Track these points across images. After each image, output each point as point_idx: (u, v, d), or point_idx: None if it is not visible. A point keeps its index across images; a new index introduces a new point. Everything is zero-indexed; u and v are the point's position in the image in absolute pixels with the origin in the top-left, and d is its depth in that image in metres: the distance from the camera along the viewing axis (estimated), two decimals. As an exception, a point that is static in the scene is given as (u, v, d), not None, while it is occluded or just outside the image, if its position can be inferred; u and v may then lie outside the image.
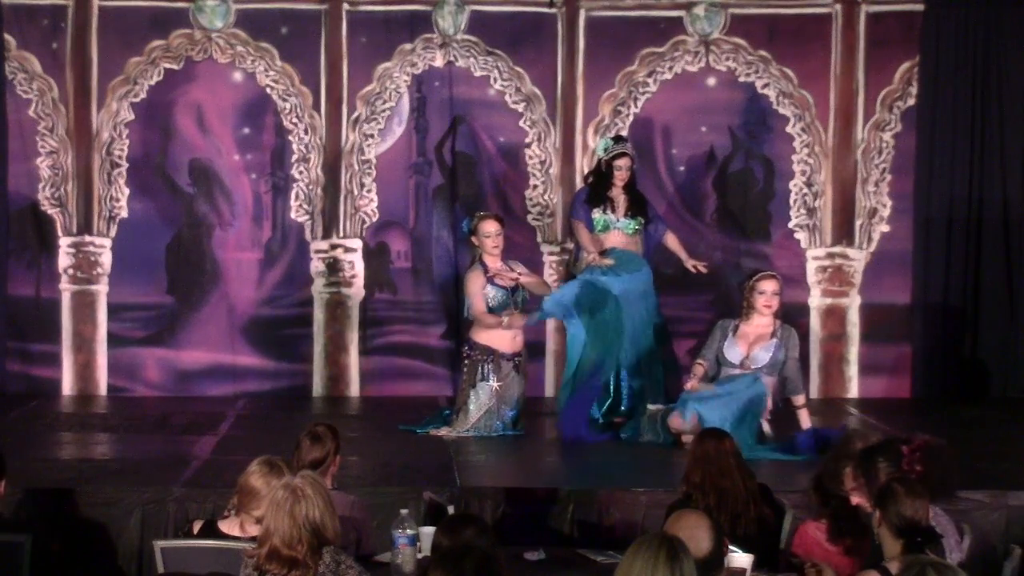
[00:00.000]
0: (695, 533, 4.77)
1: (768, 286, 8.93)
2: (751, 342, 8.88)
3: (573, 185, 11.04)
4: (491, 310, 9.28)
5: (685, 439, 8.70)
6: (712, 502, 6.06)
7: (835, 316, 11.35)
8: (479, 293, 9.28)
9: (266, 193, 11.20)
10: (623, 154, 9.63)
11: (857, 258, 11.33)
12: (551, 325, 11.07)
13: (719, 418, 8.34)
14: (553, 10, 11.18)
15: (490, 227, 9.34)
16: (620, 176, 9.61)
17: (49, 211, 11.09)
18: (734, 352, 8.87)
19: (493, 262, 9.34)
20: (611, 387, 9.52)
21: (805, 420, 8.91)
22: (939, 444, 6.05)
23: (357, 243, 11.21)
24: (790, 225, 11.33)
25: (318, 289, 11.21)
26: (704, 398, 8.70)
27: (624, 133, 10.80)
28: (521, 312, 9.31)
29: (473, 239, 9.45)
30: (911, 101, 11.26)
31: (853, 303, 11.34)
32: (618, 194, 9.65)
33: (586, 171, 10.71)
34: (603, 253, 9.49)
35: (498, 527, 7.09)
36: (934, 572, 4.17)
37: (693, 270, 9.84)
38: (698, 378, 8.88)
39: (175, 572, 5.53)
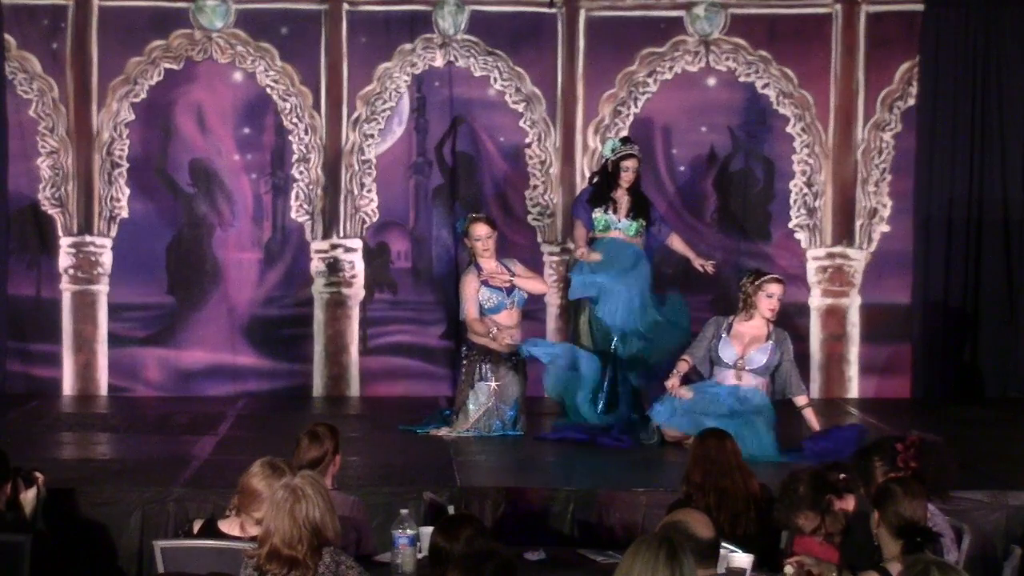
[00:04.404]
0: (691, 516, 4.83)
1: (776, 290, 8.88)
2: (746, 343, 8.84)
3: (573, 185, 11.06)
4: (487, 312, 9.28)
5: (671, 436, 8.75)
6: (712, 502, 6.08)
7: (835, 316, 11.35)
8: (472, 298, 9.28)
9: (266, 193, 11.21)
10: (631, 155, 9.66)
11: (857, 258, 11.33)
12: (552, 325, 11.09)
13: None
14: (553, 10, 11.18)
15: (480, 230, 9.33)
16: (627, 177, 9.63)
17: (49, 211, 11.10)
18: (728, 352, 8.83)
19: (487, 263, 9.34)
20: (605, 386, 9.53)
21: (812, 420, 8.89)
22: (935, 441, 6.05)
23: (357, 243, 11.21)
24: (790, 225, 11.33)
25: (318, 289, 11.21)
26: (692, 411, 8.65)
27: (625, 133, 10.80)
28: (516, 308, 9.33)
29: (466, 241, 9.46)
30: (911, 101, 11.26)
31: (853, 303, 11.35)
32: (621, 195, 9.67)
33: (588, 171, 10.76)
34: (593, 243, 9.53)
35: (498, 527, 7.10)
36: (938, 572, 4.17)
37: (701, 269, 9.85)
38: (680, 375, 8.84)
39: (175, 572, 5.53)
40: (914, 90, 11.25)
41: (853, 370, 11.34)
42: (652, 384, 9.58)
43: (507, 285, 9.30)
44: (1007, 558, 6.05)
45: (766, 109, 11.27)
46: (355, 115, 11.16)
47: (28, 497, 6.20)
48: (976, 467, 7.99)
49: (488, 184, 11.25)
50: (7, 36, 10.98)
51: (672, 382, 8.80)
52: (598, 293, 9.52)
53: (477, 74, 11.20)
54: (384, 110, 11.18)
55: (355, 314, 11.22)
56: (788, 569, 5.44)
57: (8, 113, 10.99)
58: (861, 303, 11.35)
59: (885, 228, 11.33)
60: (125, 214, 11.11)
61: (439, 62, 11.20)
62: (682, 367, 8.88)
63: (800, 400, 8.93)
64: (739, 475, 6.22)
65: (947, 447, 6.16)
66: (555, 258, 11.16)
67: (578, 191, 10.47)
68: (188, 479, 7.70)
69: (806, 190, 11.30)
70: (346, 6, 11.15)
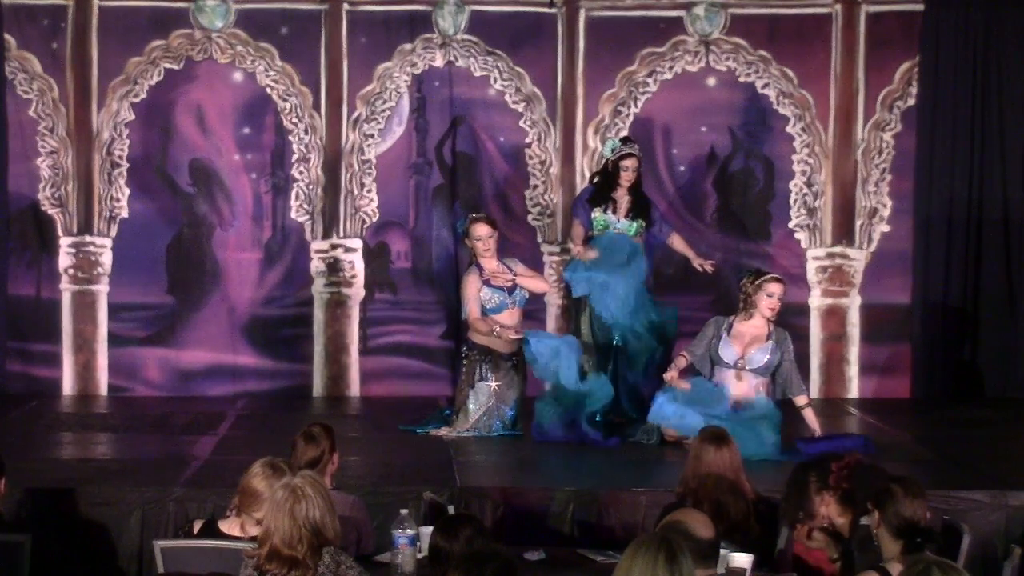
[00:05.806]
0: (691, 516, 4.83)
1: (776, 289, 8.87)
2: (746, 343, 8.83)
3: (573, 185, 11.06)
4: (489, 311, 9.27)
5: (671, 436, 8.76)
6: (709, 511, 6.04)
7: (835, 316, 11.35)
8: (474, 298, 9.27)
9: (266, 193, 11.21)
10: (630, 155, 9.66)
11: (857, 258, 11.33)
12: (552, 325, 11.08)
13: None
14: (553, 10, 11.18)
15: (481, 230, 9.32)
16: (626, 177, 9.62)
17: (49, 211, 11.10)
18: (729, 352, 8.82)
19: (488, 263, 9.34)
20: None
21: (811, 420, 8.88)
22: (871, 465, 6.04)
23: (357, 243, 11.21)
24: (790, 225, 11.33)
25: (318, 289, 11.21)
26: (693, 402, 8.64)
27: (625, 133, 10.81)
28: (518, 307, 9.32)
29: (467, 241, 9.45)
30: (911, 101, 11.26)
31: (853, 303, 11.34)
32: (622, 195, 9.67)
33: (588, 171, 10.77)
34: (590, 240, 9.52)
35: (498, 527, 7.10)
36: (939, 571, 4.16)
37: (701, 269, 9.85)
38: (679, 369, 8.85)
39: (175, 572, 5.53)
40: (914, 90, 11.25)
41: (853, 370, 11.34)
42: (653, 382, 9.58)
43: (509, 284, 9.29)
44: (1007, 558, 6.04)
45: (766, 109, 11.27)
46: (355, 115, 11.17)
47: None
48: (976, 467, 7.99)
49: (488, 184, 11.25)
50: (7, 36, 10.98)
51: (670, 375, 8.80)
52: (596, 289, 9.51)
53: (477, 74, 11.20)
54: (384, 110, 11.18)
55: (355, 314, 11.22)
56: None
57: (8, 113, 11.00)
58: (861, 303, 11.35)
59: (885, 228, 11.33)
60: (125, 214, 11.11)
61: (439, 62, 11.20)
62: (681, 362, 8.89)
63: (800, 400, 8.93)
64: (738, 487, 6.18)
65: (881, 472, 6.10)
66: (555, 258, 11.16)
67: (578, 191, 10.48)
68: (188, 479, 7.70)
69: (806, 190, 11.30)
70: (346, 6, 11.15)
